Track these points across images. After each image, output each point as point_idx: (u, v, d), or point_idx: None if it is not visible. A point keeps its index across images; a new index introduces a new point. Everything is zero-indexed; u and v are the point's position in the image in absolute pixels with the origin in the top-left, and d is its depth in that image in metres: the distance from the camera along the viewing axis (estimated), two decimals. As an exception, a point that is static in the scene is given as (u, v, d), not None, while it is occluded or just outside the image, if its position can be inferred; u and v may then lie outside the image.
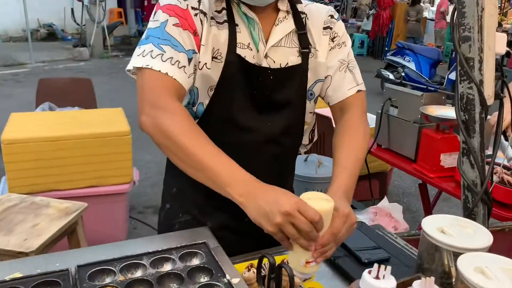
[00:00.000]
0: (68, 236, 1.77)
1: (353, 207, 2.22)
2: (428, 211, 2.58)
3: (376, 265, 0.70)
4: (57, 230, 1.60)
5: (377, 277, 0.69)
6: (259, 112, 1.14)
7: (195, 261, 0.89)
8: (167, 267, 0.86)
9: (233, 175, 0.88)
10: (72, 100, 4.01)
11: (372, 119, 2.87)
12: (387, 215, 1.88)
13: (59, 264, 0.85)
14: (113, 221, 3.18)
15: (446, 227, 1.07)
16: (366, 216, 1.89)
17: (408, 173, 2.34)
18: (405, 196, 4.17)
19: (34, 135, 2.83)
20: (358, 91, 1.21)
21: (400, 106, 2.49)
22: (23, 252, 1.45)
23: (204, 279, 0.84)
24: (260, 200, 0.84)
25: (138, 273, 0.84)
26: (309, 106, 1.24)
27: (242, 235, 1.19)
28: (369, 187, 2.74)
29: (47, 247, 1.56)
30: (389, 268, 0.70)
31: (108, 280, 0.82)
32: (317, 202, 0.85)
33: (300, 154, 1.41)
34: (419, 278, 0.95)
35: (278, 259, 1.20)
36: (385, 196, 2.12)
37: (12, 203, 1.76)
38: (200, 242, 0.92)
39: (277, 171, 1.23)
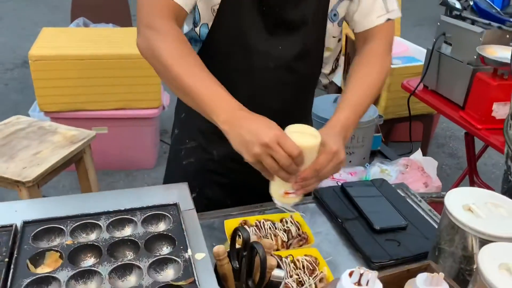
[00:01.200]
0: (75, 164, 1.73)
1: (384, 156, 2.04)
2: (472, 165, 2.35)
3: (358, 269, 0.55)
4: (59, 160, 1.55)
5: (358, 283, 0.55)
6: (269, 33, 1.02)
7: (161, 226, 0.78)
8: (126, 232, 0.76)
9: (218, 101, 0.85)
10: (107, 16, 3.90)
11: (422, 53, 2.58)
12: (419, 169, 1.69)
13: (14, 214, 0.76)
14: (141, 146, 3.17)
15: (474, 205, 0.89)
16: (395, 168, 1.71)
17: (454, 121, 2.09)
18: (452, 139, 3.89)
19: (63, 52, 2.77)
20: (388, 20, 1.04)
21: (454, 44, 2.17)
22: (20, 182, 1.41)
23: (163, 250, 0.73)
24: (241, 128, 0.81)
25: (91, 236, 0.74)
26: (332, 29, 1.08)
27: (250, 165, 1.11)
28: (409, 130, 2.51)
29: (49, 175, 1.52)
30: (374, 273, 0.55)
31: (56, 242, 0.72)
32: (301, 136, 0.82)
33: (324, 87, 1.26)
34: (426, 268, 0.80)
35: (276, 217, 1.09)
36: (419, 149, 1.91)
37: (20, 126, 1.72)
38: (171, 203, 0.80)
39: (291, 101, 1.13)
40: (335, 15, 1.05)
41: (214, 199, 1.20)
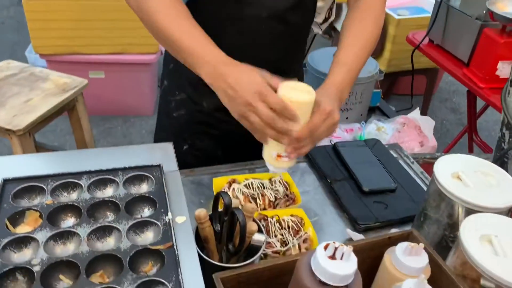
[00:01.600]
0: (68, 112, 1.71)
1: (382, 112, 2.01)
2: (472, 123, 2.32)
3: (333, 243, 0.55)
4: (50, 109, 1.53)
5: (333, 257, 0.55)
6: None
7: (143, 188, 0.77)
8: (107, 192, 0.75)
9: (202, 52, 0.82)
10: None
11: (431, 4, 2.48)
12: (416, 128, 1.67)
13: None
14: (139, 92, 3.14)
15: (463, 172, 0.88)
16: (392, 126, 1.69)
17: (457, 78, 2.04)
18: (456, 94, 3.83)
19: (57, -8, 2.66)
20: None
21: (464, -4, 2.08)
22: (11, 130, 1.40)
23: (144, 212, 0.73)
24: (224, 83, 0.79)
25: (72, 195, 0.74)
26: None
27: None
28: (411, 85, 2.46)
29: (40, 124, 1.51)
30: (349, 249, 0.55)
31: (36, 200, 0.72)
32: (293, 92, 0.79)
33: (329, 36, 1.24)
34: (408, 236, 0.80)
35: (265, 176, 1.09)
36: (418, 107, 1.87)
37: (11, 72, 1.68)
38: (155, 164, 0.79)
39: (282, 51, 1.10)
40: None
41: (206, 150, 1.20)
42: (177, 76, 1.17)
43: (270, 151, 0.85)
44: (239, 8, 1.00)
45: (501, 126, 0.98)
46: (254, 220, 0.77)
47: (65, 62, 2.90)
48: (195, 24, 0.86)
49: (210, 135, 1.20)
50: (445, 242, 0.89)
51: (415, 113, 1.79)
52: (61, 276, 0.62)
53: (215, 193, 1.03)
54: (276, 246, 0.91)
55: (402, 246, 0.69)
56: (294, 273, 0.59)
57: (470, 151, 2.38)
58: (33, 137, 1.60)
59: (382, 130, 1.66)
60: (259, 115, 0.76)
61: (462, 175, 0.87)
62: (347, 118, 1.79)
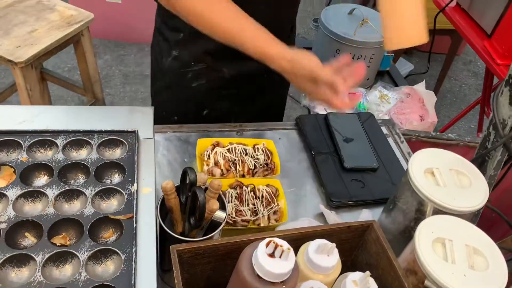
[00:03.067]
0: (74, 45, 1.71)
1: (392, 79, 1.95)
2: (486, 95, 2.26)
3: (273, 241, 0.58)
4: (53, 42, 1.53)
5: (272, 255, 0.58)
6: None
7: (117, 153, 0.80)
8: (81, 153, 0.79)
9: (271, 53, 0.88)
10: None
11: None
12: (420, 100, 1.64)
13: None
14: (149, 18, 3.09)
15: (437, 170, 0.89)
16: (396, 95, 1.66)
17: (476, 50, 1.96)
18: (477, 59, 3.69)
19: None
20: None
21: (500, -40, 1.93)
22: (12, 61, 1.42)
23: (114, 178, 0.77)
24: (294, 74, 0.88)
25: (48, 153, 0.77)
26: None
27: (260, 79, 1.20)
28: (430, 48, 2.37)
29: (44, 56, 1.53)
30: (288, 250, 0.57)
31: (13, 155, 0.76)
32: None
33: None
34: (368, 227, 0.82)
35: (250, 142, 1.10)
36: (424, 80, 1.82)
37: (19, -3, 1.67)
38: (131, 130, 0.81)
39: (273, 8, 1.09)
40: None
41: (223, 110, 1.23)
42: (191, 47, 1.13)
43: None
44: None
45: (489, 125, 0.96)
46: (219, 196, 0.80)
47: (81, -16, 2.86)
48: (252, 21, 0.89)
49: (229, 96, 1.22)
50: (408, 233, 0.91)
51: (421, 86, 1.75)
52: (26, 234, 0.67)
53: (197, 154, 1.07)
54: (246, 215, 0.95)
55: (316, 243, 0.70)
56: (238, 262, 0.63)
57: (480, 125, 2.34)
58: (39, 67, 1.62)
59: (385, 98, 1.64)
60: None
61: (435, 172, 0.88)
62: (352, 81, 1.77)
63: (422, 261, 0.73)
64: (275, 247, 0.58)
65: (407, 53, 3.44)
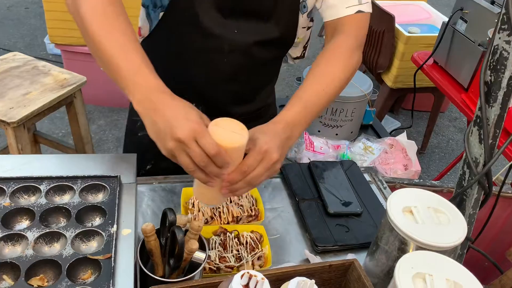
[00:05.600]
0: (66, 108, 1.77)
1: (376, 132, 2.01)
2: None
3: (247, 273, 0.58)
4: (46, 103, 1.59)
5: (247, 286, 0.58)
6: (223, 16, 0.96)
7: (99, 197, 0.81)
8: (64, 198, 0.80)
9: (136, 77, 0.74)
10: None
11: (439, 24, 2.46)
12: (403, 150, 1.68)
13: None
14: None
15: (416, 208, 0.90)
16: (380, 146, 1.70)
17: (454, 103, 2.04)
18: (462, 116, 3.79)
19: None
20: (359, 11, 0.97)
21: (470, 22, 2.07)
22: (5, 122, 1.46)
23: (95, 221, 0.77)
24: (156, 115, 0.71)
25: (31, 199, 0.78)
26: (301, 21, 1.04)
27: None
28: (412, 104, 2.45)
29: (36, 117, 1.57)
30: (262, 280, 0.58)
31: (-5, 202, 0.77)
32: (225, 133, 0.72)
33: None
34: (350, 266, 0.82)
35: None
36: (404, 131, 1.88)
37: (15, 64, 1.75)
38: (113, 175, 0.83)
39: (248, 85, 1.10)
40: (304, 6, 1.00)
41: (169, 170, 1.18)
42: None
43: (202, 191, 0.80)
44: (202, 40, 0.98)
45: (463, 164, 0.99)
46: (200, 237, 0.81)
47: (78, 53, 2.98)
48: (135, 42, 0.76)
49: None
50: (392, 273, 0.90)
51: (402, 136, 1.80)
52: (4, 276, 0.66)
53: (182, 203, 1.08)
54: (230, 261, 0.94)
55: (295, 281, 0.69)
56: (214, 296, 0.62)
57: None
58: (31, 128, 1.66)
59: (369, 149, 1.68)
60: (192, 156, 0.69)
61: (414, 210, 0.89)
62: (336, 134, 1.81)
63: (403, 296, 0.72)
64: (249, 278, 0.58)
65: (393, 111, 3.54)
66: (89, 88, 2.90)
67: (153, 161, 1.19)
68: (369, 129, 1.99)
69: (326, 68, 0.93)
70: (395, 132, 2.70)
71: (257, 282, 0.58)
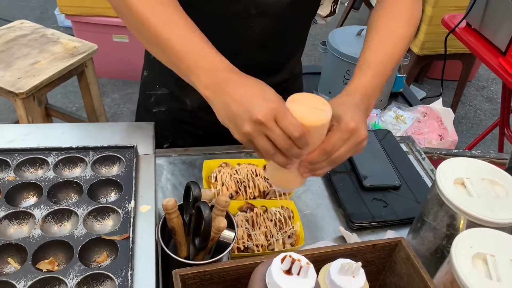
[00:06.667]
0: (78, 78, 1.69)
1: (406, 100, 1.89)
2: (505, 115, 2.18)
3: (289, 256, 0.49)
4: (55, 73, 1.51)
5: (289, 272, 0.49)
6: None
7: (114, 170, 0.73)
8: (75, 172, 0.72)
9: (199, 59, 0.66)
10: None
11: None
12: (437, 119, 1.56)
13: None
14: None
15: (468, 179, 0.80)
16: (412, 115, 1.59)
17: (491, 68, 1.90)
18: (494, 83, 3.63)
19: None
20: None
21: (509, -23, 1.90)
22: (13, 92, 1.38)
23: (109, 197, 0.70)
24: (228, 97, 0.63)
25: (39, 172, 0.71)
26: None
27: None
28: (442, 71, 2.32)
29: (46, 88, 1.50)
30: (307, 265, 0.49)
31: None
32: (306, 110, 0.63)
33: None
34: (397, 245, 0.73)
35: (260, 162, 1.03)
36: (440, 97, 1.75)
37: (23, 32, 1.66)
38: (129, 145, 0.75)
39: (276, 49, 1.00)
40: None
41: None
42: (159, 68, 1.05)
43: (276, 172, 0.71)
44: (227, 3, 0.88)
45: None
46: (227, 214, 0.73)
47: (89, 24, 2.89)
48: (190, 22, 0.70)
49: (194, 135, 1.13)
50: (440, 252, 0.82)
51: (437, 104, 1.68)
52: (9, 259, 0.59)
53: (204, 176, 1.00)
54: (259, 240, 0.87)
55: (337, 264, 0.62)
56: (249, 283, 0.54)
57: (500, 147, 2.25)
58: (43, 101, 1.59)
59: (400, 118, 1.57)
60: (273, 138, 0.61)
61: (466, 182, 0.80)
62: (365, 103, 1.71)
63: (463, 279, 0.64)
64: (292, 263, 0.49)
65: (418, 81, 3.40)
66: (101, 60, 2.83)
67: (170, 140, 1.12)
68: (399, 97, 1.87)
69: (389, 26, 0.82)
70: (426, 100, 2.57)
71: (300, 268, 0.49)
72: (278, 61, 1.04)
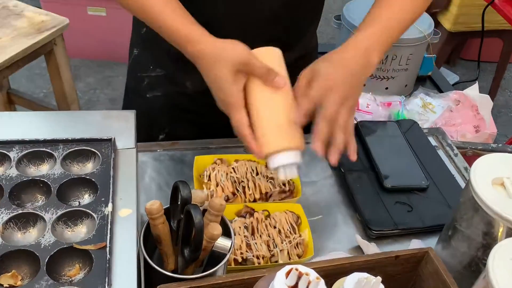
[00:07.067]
0: (45, 57, 1.70)
1: (436, 85, 1.89)
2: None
3: (295, 269, 0.49)
4: (19, 52, 1.51)
5: (295, 287, 0.49)
6: None
7: (88, 167, 0.74)
8: (41, 169, 0.73)
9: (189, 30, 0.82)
10: None
11: None
12: (473, 108, 1.56)
13: None
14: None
15: (509, 179, 0.81)
16: (443, 102, 1.59)
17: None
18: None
19: None
20: None
21: None
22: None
23: (83, 199, 0.70)
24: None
25: (-3, 171, 0.71)
26: None
27: None
28: (479, 50, 2.32)
29: (8, 69, 1.50)
30: (317, 280, 0.49)
31: (-49, 173, 0.69)
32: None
33: None
34: (423, 257, 0.74)
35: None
36: (476, 82, 1.75)
37: (-19, 3, 1.67)
38: (106, 138, 0.75)
39: (291, 23, 1.04)
40: None
41: (187, 139, 1.16)
42: (152, 45, 1.08)
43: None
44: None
45: None
46: (223, 220, 0.73)
47: (62, -4, 2.90)
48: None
49: (194, 123, 1.15)
50: (475, 266, 0.83)
51: (473, 89, 1.68)
52: (-37, 273, 0.59)
53: (195, 175, 1.00)
54: (260, 250, 0.88)
55: (353, 278, 0.62)
56: (248, 300, 0.54)
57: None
58: (4, 86, 1.60)
59: (429, 107, 1.57)
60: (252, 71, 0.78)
61: (507, 182, 0.80)
62: (386, 88, 1.69)
63: (502, 297, 0.64)
64: (299, 277, 0.50)
65: (449, 62, 3.40)
66: (74, 37, 2.83)
67: (167, 129, 1.14)
68: (427, 81, 1.88)
69: None
70: (459, 86, 2.58)
71: (309, 283, 0.49)
72: (292, 35, 1.06)
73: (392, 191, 1.04)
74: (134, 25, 1.13)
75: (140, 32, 1.10)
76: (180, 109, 1.12)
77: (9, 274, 0.60)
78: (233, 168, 1.01)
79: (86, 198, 0.71)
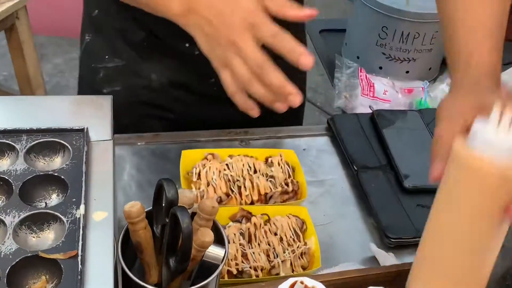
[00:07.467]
0: (6, 34, 1.71)
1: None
2: None
3: (300, 281, 0.50)
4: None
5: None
6: None
7: (56, 162, 0.75)
8: (1, 164, 0.74)
9: None
10: None
11: None
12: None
13: None
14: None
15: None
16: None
17: None
18: None
19: None
20: None
21: None
22: None
23: (50, 200, 0.71)
24: (199, 17, 0.71)
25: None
26: None
27: (210, 98, 1.09)
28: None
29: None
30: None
31: None
32: None
33: None
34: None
35: (261, 153, 1.05)
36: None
37: None
38: (77, 128, 0.76)
39: None
40: None
41: None
42: (108, 31, 1.09)
43: None
44: None
45: None
46: (215, 225, 0.74)
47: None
48: None
49: (163, 120, 1.16)
50: (510, 279, 0.85)
51: (509, 74, 1.68)
52: None
53: (182, 173, 1.02)
54: (258, 261, 0.89)
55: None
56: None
57: None
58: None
59: (457, 94, 1.58)
60: (243, 57, 0.67)
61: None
62: (407, 72, 1.69)
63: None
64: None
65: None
66: (39, 11, 2.84)
67: (131, 130, 1.15)
68: (454, 65, 1.88)
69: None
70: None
71: None
72: None
73: (413, 192, 1.07)
74: (84, 6, 1.13)
75: (92, 13, 1.10)
76: (144, 104, 1.13)
77: (-37, 287, 0.61)
78: (226, 164, 1.03)
79: (54, 199, 0.71)
